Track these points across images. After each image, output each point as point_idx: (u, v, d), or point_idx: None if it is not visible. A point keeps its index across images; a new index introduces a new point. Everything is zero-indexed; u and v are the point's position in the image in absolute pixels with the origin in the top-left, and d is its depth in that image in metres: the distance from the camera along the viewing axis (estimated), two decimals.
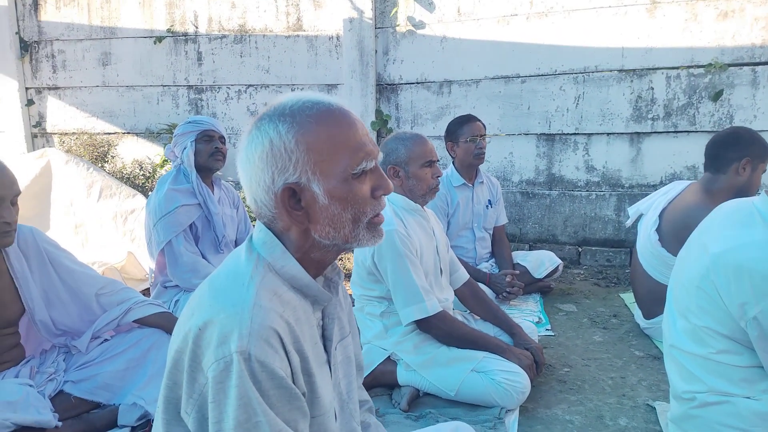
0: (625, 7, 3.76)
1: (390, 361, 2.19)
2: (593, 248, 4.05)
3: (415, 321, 2.09)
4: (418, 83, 4.31)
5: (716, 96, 3.65)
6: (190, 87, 4.83)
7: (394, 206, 2.13)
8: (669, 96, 3.77)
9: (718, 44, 3.63)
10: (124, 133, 5.04)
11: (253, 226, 1.05)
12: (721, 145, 2.41)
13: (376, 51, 4.32)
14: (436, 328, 2.12)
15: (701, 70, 3.68)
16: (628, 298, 3.20)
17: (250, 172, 0.96)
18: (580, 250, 4.08)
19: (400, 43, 4.29)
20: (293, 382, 0.90)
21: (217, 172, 2.77)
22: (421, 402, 2.12)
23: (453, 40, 4.15)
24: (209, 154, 2.64)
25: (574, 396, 2.14)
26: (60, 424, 1.76)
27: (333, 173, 0.95)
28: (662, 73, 3.76)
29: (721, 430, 1.52)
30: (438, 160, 2.18)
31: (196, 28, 4.72)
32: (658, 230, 2.53)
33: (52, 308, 1.94)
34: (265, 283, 0.94)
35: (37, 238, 1.95)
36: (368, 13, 4.24)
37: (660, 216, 2.55)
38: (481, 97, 4.15)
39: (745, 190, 2.39)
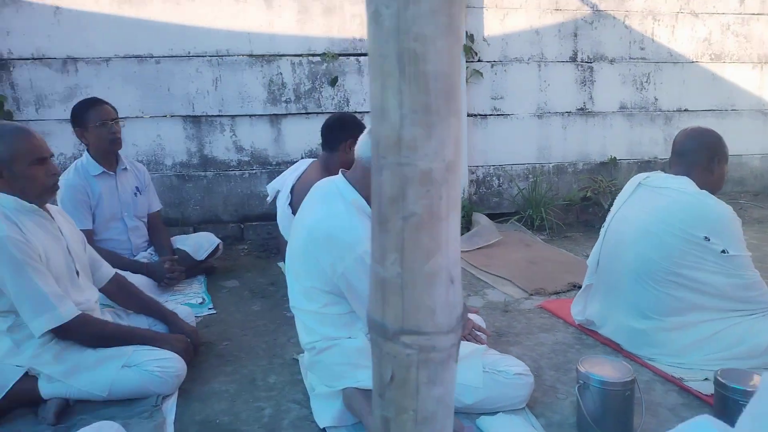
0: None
1: (28, 377, 1.96)
2: (254, 224, 4.29)
3: (50, 330, 1.91)
4: (35, 59, 3.77)
5: (333, 81, 4.24)
6: None
7: (3, 208, 1.87)
8: (296, 81, 4.20)
9: (328, 36, 4.19)
10: None
11: None
12: (330, 128, 2.87)
13: None
14: (78, 333, 1.98)
15: (318, 59, 4.21)
16: (284, 265, 3.52)
17: None
18: (242, 226, 4.27)
19: (2, 11, 3.66)
20: None
21: None
22: (73, 411, 1.97)
23: (69, 12, 3.75)
24: None
25: (230, 366, 2.29)
26: None
27: None
28: (287, 59, 4.16)
29: (336, 368, 1.84)
30: (52, 156, 1.98)
31: None
32: (291, 204, 2.85)
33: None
34: None
35: None
36: None
37: (291, 191, 2.88)
38: (115, 77, 3.89)
39: (351, 164, 2.88)
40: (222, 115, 4.13)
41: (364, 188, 1.79)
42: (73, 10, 3.74)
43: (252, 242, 4.21)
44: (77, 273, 2.10)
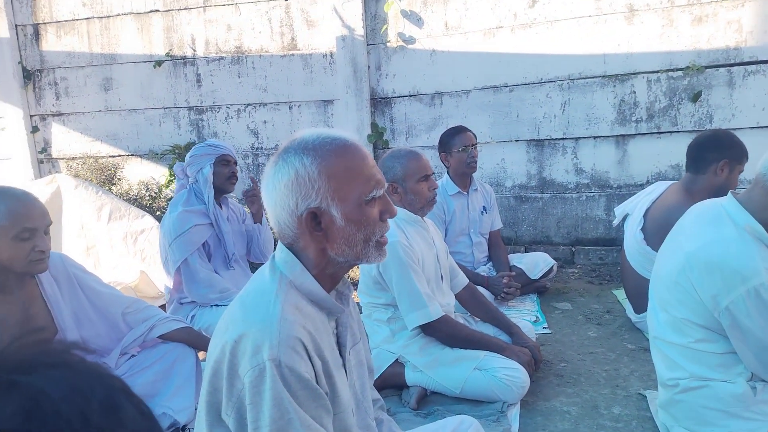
0: (604, 15, 3.94)
1: (398, 364, 2.34)
2: (586, 248, 4.21)
3: (419, 325, 2.24)
4: (410, 96, 4.47)
5: (695, 97, 3.83)
6: (190, 108, 4.98)
7: (396, 219, 2.28)
8: (650, 99, 3.95)
9: (694, 48, 3.81)
10: (128, 155, 5.19)
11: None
12: (701, 147, 2.56)
13: (368, 66, 4.49)
14: (440, 331, 2.27)
15: (680, 73, 3.86)
16: (620, 294, 3.36)
17: (275, 198, 1.12)
18: (573, 249, 4.24)
19: (392, 58, 4.46)
20: (317, 383, 1.05)
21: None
22: (429, 400, 2.27)
23: (442, 54, 4.33)
24: (226, 177, 2.82)
25: (571, 389, 2.30)
26: None
27: (349, 199, 1.11)
28: (643, 77, 3.94)
29: (702, 412, 1.68)
30: (433, 173, 2.34)
31: (194, 51, 4.88)
32: (642, 229, 2.69)
33: (82, 328, 2.09)
34: (288, 299, 1.09)
35: (66, 263, 2.09)
36: (359, 31, 4.41)
37: (644, 215, 2.71)
38: (471, 107, 4.32)
39: (723, 190, 2.54)
40: (566, 138, 4.18)
41: (761, 211, 1.59)
42: (445, 51, 4.32)
43: (583, 266, 4.13)
44: (442, 278, 2.42)
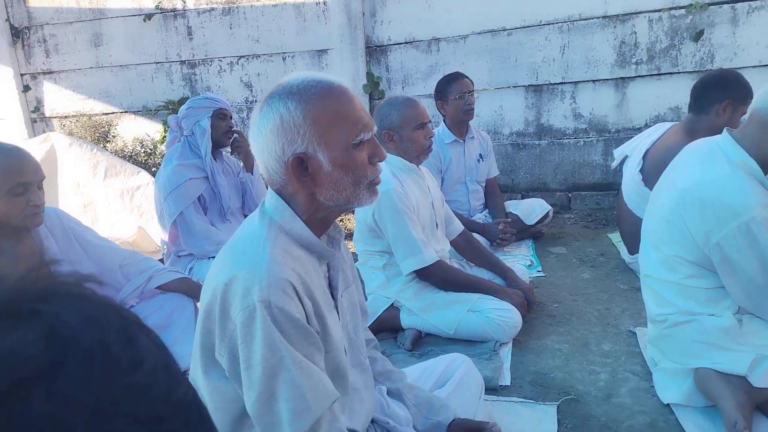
0: None
1: (393, 308, 2.39)
2: (583, 193, 4.21)
3: (414, 271, 2.27)
4: (406, 43, 4.38)
5: (697, 36, 3.74)
6: (182, 62, 4.90)
7: (391, 167, 2.27)
8: (651, 39, 3.85)
9: None
10: (122, 112, 5.15)
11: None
12: (705, 87, 2.49)
13: (363, 13, 4.38)
14: (434, 276, 2.30)
15: (682, 11, 3.76)
16: (615, 237, 3.38)
17: (262, 144, 1.11)
18: (570, 195, 4.24)
19: (387, 3, 4.35)
20: (308, 323, 1.07)
21: None
22: (424, 342, 2.32)
23: None
24: (223, 131, 2.80)
25: (562, 327, 2.34)
26: None
27: (335, 144, 1.09)
28: (644, 16, 3.84)
29: (690, 345, 1.71)
30: (430, 121, 2.31)
31: (184, 2, 4.76)
32: (641, 170, 2.68)
33: None
34: (277, 243, 1.10)
35: (61, 217, 2.11)
36: None
37: (643, 157, 2.69)
38: (469, 53, 4.24)
39: (720, 131, 2.52)
40: (564, 83, 4.11)
41: (756, 148, 1.57)
42: None
43: (579, 212, 4.14)
44: (437, 225, 2.43)
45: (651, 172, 2.64)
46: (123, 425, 0.32)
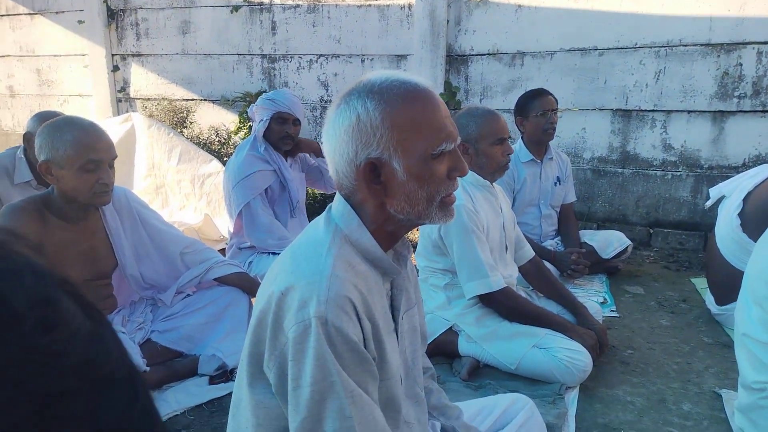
0: None
1: (452, 332, 2.25)
2: (665, 230, 3.92)
3: (478, 295, 2.13)
4: (489, 54, 4.23)
5: None
6: (264, 56, 4.95)
7: (463, 181, 2.14)
8: (759, 73, 3.53)
9: None
10: (201, 99, 5.26)
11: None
12: None
13: (447, 21, 4.27)
14: (499, 304, 2.15)
15: None
16: (700, 283, 3.10)
17: (335, 144, 1.02)
18: (651, 231, 3.96)
19: (473, 12, 4.22)
20: (365, 347, 0.96)
21: None
22: (481, 373, 2.17)
23: (528, 10, 4.04)
24: (279, 136, 2.75)
25: (636, 378, 2.13)
26: (148, 369, 1.94)
27: (414, 151, 0.99)
28: (753, 48, 3.52)
29: None
30: (510, 137, 2.17)
31: None
32: (740, 214, 2.42)
33: (141, 263, 2.12)
34: (341, 254, 1.00)
35: (129, 198, 2.11)
36: None
37: (744, 200, 2.44)
38: (554, 70, 4.04)
39: None
40: (656, 110, 3.84)
41: None
42: (532, 7, 4.03)
43: (660, 250, 3.84)
44: (506, 248, 2.27)
45: (752, 218, 2.39)
46: (7, 395, 0.27)
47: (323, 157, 2.90)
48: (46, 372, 0.29)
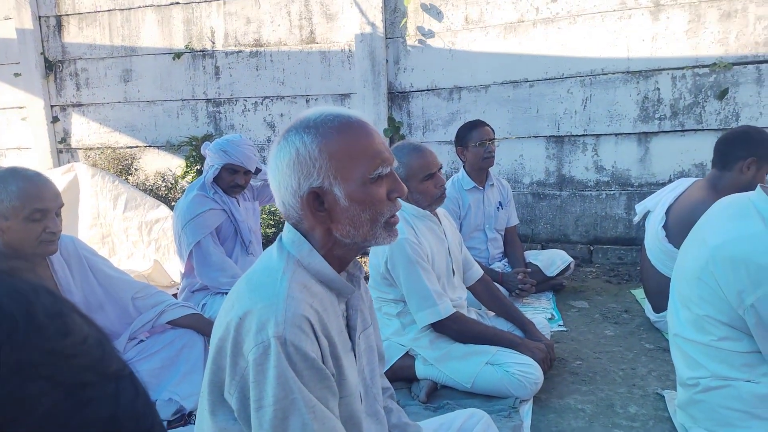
0: (629, 10, 3.85)
1: (408, 356, 2.30)
2: (605, 246, 4.13)
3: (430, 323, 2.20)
4: (428, 90, 4.43)
5: (722, 94, 3.73)
6: (208, 100, 4.99)
7: (404, 213, 2.22)
8: (675, 96, 3.85)
9: (721, 44, 3.70)
10: (146, 146, 5.22)
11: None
12: (729, 143, 2.46)
13: (387, 61, 4.45)
14: (450, 329, 2.23)
15: (706, 70, 3.76)
16: (639, 294, 3.28)
17: (279, 179, 1.09)
18: (591, 248, 4.16)
19: (411, 52, 4.42)
20: (323, 364, 1.01)
21: None
22: (439, 394, 2.22)
23: (462, 48, 4.27)
24: (229, 185, 2.78)
25: (585, 386, 2.24)
26: None
27: (352, 178, 1.06)
28: (668, 73, 3.84)
29: (723, 413, 1.61)
30: (440, 169, 2.23)
31: (213, 43, 4.89)
32: (665, 226, 2.61)
33: (92, 312, 2.08)
34: (295, 278, 1.06)
35: (77, 246, 2.09)
36: (379, 25, 4.37)
37: (667, 212, 2.63)
38: (490, 102, 4.26)
39: (749, 189, 2.44)
40: (586, 135, 4.09)
41: None
42: (464, 47, 4.27)
43: (600, 265, 4.04)
44: (453, 272, 2.37)
45: (675, 228, 2.58)
46: (42, 386, 0.34)
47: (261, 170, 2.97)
48: (67, 367, 0.36)
